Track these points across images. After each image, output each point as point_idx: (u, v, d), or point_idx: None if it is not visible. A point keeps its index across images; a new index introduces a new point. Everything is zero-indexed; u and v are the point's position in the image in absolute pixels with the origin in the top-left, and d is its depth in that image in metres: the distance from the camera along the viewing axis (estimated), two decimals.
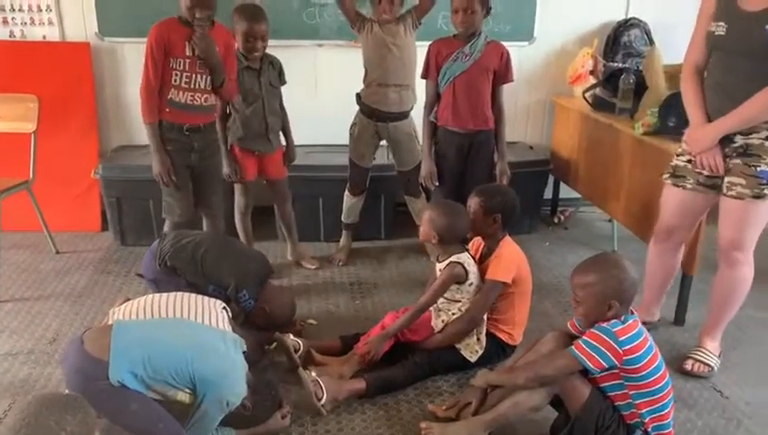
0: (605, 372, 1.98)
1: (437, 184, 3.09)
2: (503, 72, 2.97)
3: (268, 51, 3.15)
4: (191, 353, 2.03)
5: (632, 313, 2.03)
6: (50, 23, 3.72)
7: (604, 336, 1.95)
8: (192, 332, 2.15)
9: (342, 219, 3.63)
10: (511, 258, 2.59)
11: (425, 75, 3.00)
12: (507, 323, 2.63)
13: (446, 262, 2.56)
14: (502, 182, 3.04)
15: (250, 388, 2.14)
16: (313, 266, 3.49)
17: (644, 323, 2.69)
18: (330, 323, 2.96)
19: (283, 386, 2.37)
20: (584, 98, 3.72)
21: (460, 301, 2.58)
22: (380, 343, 2.52)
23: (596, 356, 1.94)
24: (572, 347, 1.99)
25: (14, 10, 3.68)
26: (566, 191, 4.24)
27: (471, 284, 2.56)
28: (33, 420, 1.43)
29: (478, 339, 2.58)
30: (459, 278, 2.54)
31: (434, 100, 3.01)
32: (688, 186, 2.50)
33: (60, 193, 3.77)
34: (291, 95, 3.38)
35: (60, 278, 3.35)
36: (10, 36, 3.72)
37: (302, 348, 2.54)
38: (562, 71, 4.13)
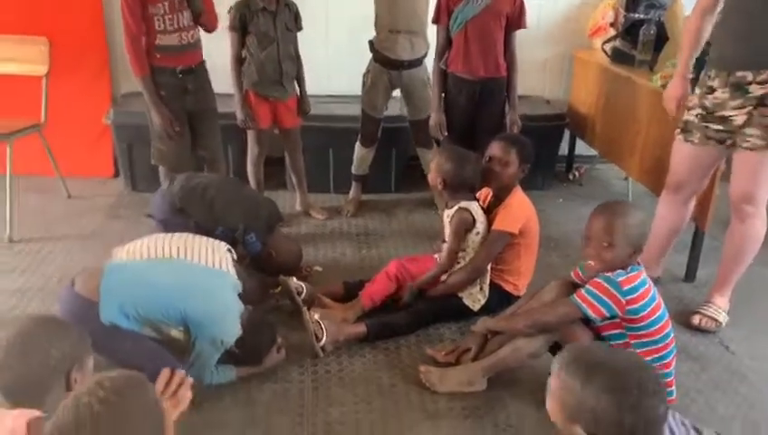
0: (606, 322, 1.96)
1: (446, 134, 3.03)
2: (516, 18, 2.88)
3: None
4: (182, 294, 2.05)
5: (638, 263, 1.99)
6: None
7: (607, 285, 1.91)
8: (186, 272, 2.15)
9: (352, 171, 3.60)
10: (520, 209, 2.56)
11: (436, 20, 2.93)
12: (512, 273, 2.60)
13: (455, 208, 2.53)
14: (512, 132, 2.98)
15: (245, 327, 2.16)
16: (322, 217, 3.48)
17: None
18: (335, 270, 2.97)
19: (286, 327, 2.40)
20: (603, 50, 3.62)
21: (465, 250, 2.56)
22: (412, 296, 2.55)
23: (598, 305, 1.91)
24: (574, 296, 1.96)
25: None
26: (582, 148, 4.15)
27: (478, 233, 2.53)
28: (25, 338, 1.44)
29: (481, 288, 2.57)
30: (467, 224, 2.51)
31: (445, 46, 2.93)
32: (696, 140, 2.43)
33: (73, 138, 3.78)
34: (302, 42, 3.31)
35: (71, 222, 3.38)
36: None
37: (305, 291, 2.54)
38: (583, 24, 4.01)
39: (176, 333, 2.06)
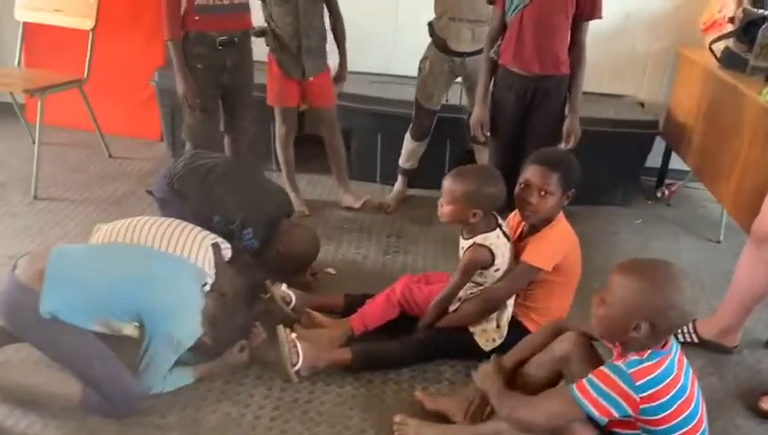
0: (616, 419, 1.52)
1: (488, 134, 2.58)
2: (587, 6, 2.35)
3: None
4: (137, 286, 1.81)
5: (663, 346, 1.52)
6: None
7: (616, 378, 1.47)
8: (147, 262, 1.91)
9: (400, 163, 3.24)
10: (559, 242, 2.10)
11: (491, 1, 2.47)
12: (541, 313, 2.16)
13: (470, 242, 2.12)
14: (568, 143, 2.48)
15: (211, 324, 1.90)
16: (357, 205, 3.15)
17: (718, 348, 2.12)
18: (349, 274, 2.65)
19: (268, 337, 2.11)
20: (710, 50, 3.00)
21: (482, 284, 2.15)
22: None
23: (604, 402, 1.47)
24: (574, 387, 1.52)
25: None
26: (679, 162, 3.54)
27: (497, 269, 2.11)
28: None
29: (498, 326, 2.15)
30: (483, 264, 2.09)
31: (498, 32, 2.46)
32: None
33: (121, 97, 3.68)
34: (362, 16, 2.98)
35: (101, 183, 3.27)
36: None
37: (293, 301, 2.25)
38: (696, 15, 3.37)
39: (129, 329, 1.82)
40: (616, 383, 1.47)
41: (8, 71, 3.25)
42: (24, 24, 3.45)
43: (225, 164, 2.51)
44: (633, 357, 1.50)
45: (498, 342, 2.13)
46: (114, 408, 1.80)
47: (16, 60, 3.40)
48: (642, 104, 3.54)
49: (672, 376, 1.49)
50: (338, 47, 2.94)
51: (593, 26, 3.35)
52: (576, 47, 2.43)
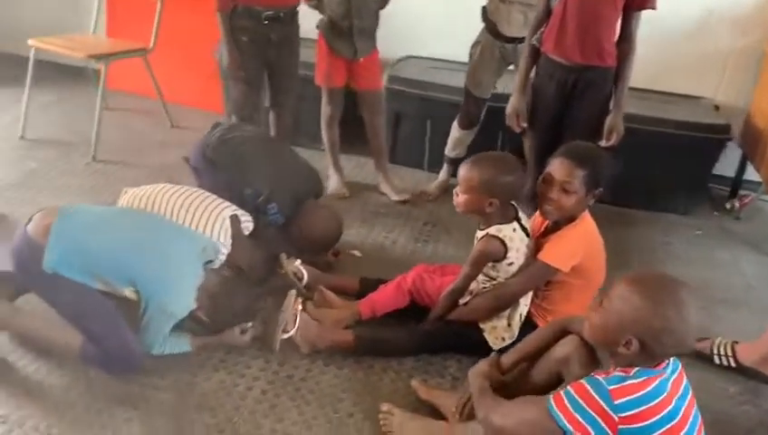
0: None
1: (524, 125, 2.46)
2: None
3: None
4: (134, 251, 1.85)
5: (657, 366, 1.40)
6: None
7: (594, 393, 1.36)
8: (149, 228, 1.96)
9: (446, 152, 3.17)
10: (578, 242, 1.98)
11: None
12: (558, 315, 2.02)
13: (484, 232, 2.03)
14: (609, 140, 2.31)
15: (210, 300, 1.93)
16: (400, 198, 3.09)
17: (756, 376, 2.01)
18: (374, 258, 2.62)
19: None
20: None
21: (495, 278, 2.06)
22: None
23: (580, 419, 1.37)
24: (550, 399, 1.42)
25: None
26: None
27: (511, 263, 2.01)
28: None
29: (509, 325, 2.05)
30: (495, 256, 2.00)
31: (542, 18, 2.32)
32: None
33: (189, 68, 3.78)
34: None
35: (158, 150, 3.39)
36: None
37: (305, 278, 2.24)
38: None
39: (128, 292, 1.88)
40: (593, 399, 1.36)
41: (80, 37, 3.42)
42: None
43: (257, 138, 2.55)
44: (617, 373, 1.39)
45: (508, 341, 2.03)
46: (111, 363, 1.86)
47: (92, 28, 3.56)
48: (717, 107, 3.28)
49: (660, 399, 1.36)
50: None
51: (670, 22, 3.17)
52: (625, 39, 2.27)
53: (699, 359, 2.15)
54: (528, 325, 2.06)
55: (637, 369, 1.37)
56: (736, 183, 3.39)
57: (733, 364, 2.12)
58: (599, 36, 2.22)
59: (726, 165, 3.32)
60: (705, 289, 2.60)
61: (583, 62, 2.26)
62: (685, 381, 1.46)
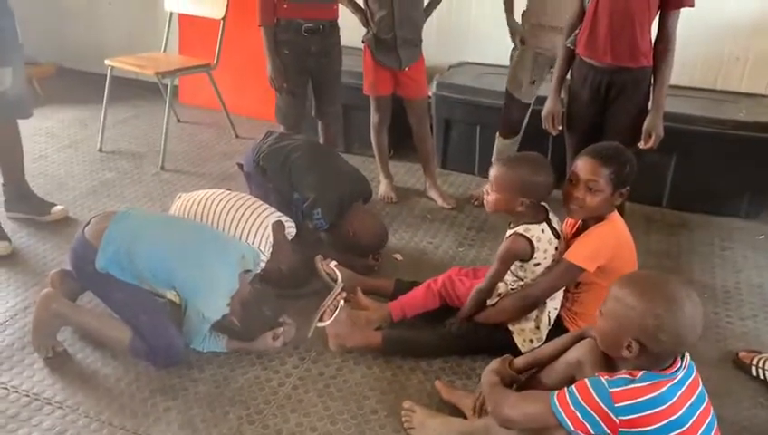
0: None
1: (560, 128, 2.44)
2: None
3: None
4: (174, 257, 2.00)
5: (667, 369, 1.38)
6: None
7: (594, 394, 1.37)
8: (190, 237, 2.10)
9: (492, 160, 3.17)
10: (604, 242, 1.96)
11: None
12: (588, 319, 2.01)
13: (512, 231, 2.05)
14: (647, 143, 2.26)
15: (243, 306, 2.05)
16: (448, 206, 3.13)
17: None
18: (416, 262, 2.68)
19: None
20: None
21: (523, 279, 2.07)
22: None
23: (580, 417, 1.38)
24: (554, 395, 1.43)
25: None
26: None
27: (538, 264, 2.02)
28: None
29: (537, 327, 2.06)
30: (522, 256, 2.02)
31: (576, 20, 2.30)
32: None
33: (253, 82, 3.96)
34: (480, 7, 3.08)
35: (222, 160, 3.59)
36: None
37: (339, 278, 2.33)
38: None
39: (170, 295, 2.04)
40: (594, 400, 1.37)
41: (152, 56, 3.67)
42: (179, 16, 3.91)
43: (305, 146, 2.66)
44: (622, 375, 1.39)
45: (536, 344, 2.04)
46: (156, 357, 2.01)
47: (162, 46, 3.82)
48: None
49: (666, 406, 1.35)
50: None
51: (729, 18, 3.05)
52: (662, 39, 2.22)
53: (738, 368, 2.08)
54: (558, 329, 2.06)
55: (644, 372, 1.37)
56: None
57: None
58: (631, 37, 2.19)
59: None
60: (759, 296, 2.49)
61: (615, 63, 2.23)
62: (700, 387, 1.43)
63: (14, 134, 2.74)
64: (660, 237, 2.90)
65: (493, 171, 2.04)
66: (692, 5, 2.16)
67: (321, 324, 2.09)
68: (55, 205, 2.90)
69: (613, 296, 1.44)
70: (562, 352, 1.72)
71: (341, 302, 2.13)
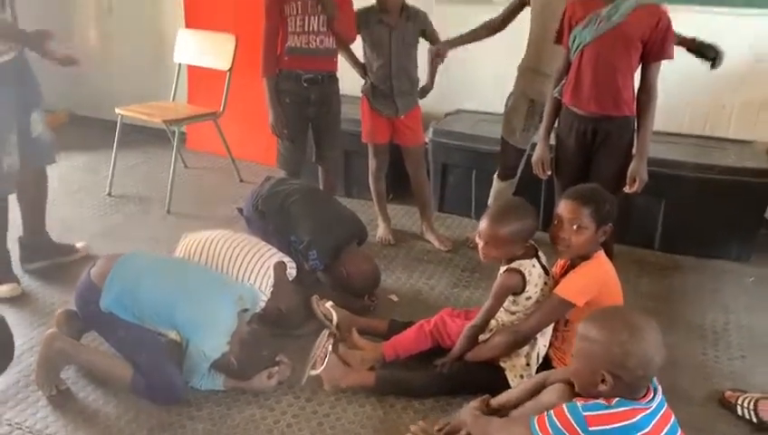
0: None
1: (549, 173, 2.55)
2: (657, 45, 2.24)
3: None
4: (175, 297, 2.08)
5: (642, 398, 1.45)
6: None
7: (570, 418, 1.45)
8: (191, 277, 2.19)
9: (489, 203, 3.27)
10: (591, 278, 2.06)
11: (557, 40, 2.43)
12: None
13: (505, 268, 2.14)
14: (632, 187, 2.36)
15: (240, 343, 2.12)
16: (444, 248, 3.21)
17: None
18: (411, 303, 2.75)
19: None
20: None
21: (515, 313, 2.15)
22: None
23: None
24: (534, 418, 1.51)
25: None
26: None
27: (529, 298, 2.11)
28: None
29: (528, 364, 2.13)
30: (514, 289, 2.11)
31: (563, 71, 2.42)
32: None
33: (258, 128, 4.10)
34: (476, 57, 3.25)
35: (226, 203, 3.68)
36: None
37: (335, 319, 2.40)
38: None
39: (173, 334, 2.12)
40: (570, 423, 1.44)
41: (161, 104, 3.82)
42: (188, 67, 4.09)
43: (302, 190, 2.77)
44: (597, 401, 1.46)
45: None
46: (156, 394, 2.08)
47: (171, 95, 3.98)
48: None
49: (641, 433, 1.41)
50: (430, 71, 3.04)
51: (721, 68, 3.19)
52: (645, 89, 2.33)
53: (724, 407, 2.12)
54: (547, 367, 2.13)
55: (618, 399, 1.43)
56: None
57: (754, 419, 2.05)
58: (614, 87, 2.30)
59: None
60: (748, 337, 2.54)
61: (599, 112, 2.34)
62: (672, 419, 1.50)
63: (43, 181, 2.87)
64: (652, 280, 2.97)
65: (483, 226, 2.14)
66: (671, 57, 2.28)
67: (313, 372, 2.16)
68: (75, 245, 3.01)
69: (579, 336, 1.53)
70: (531, 393, 1.79)
71: (330, 347, 2.20)
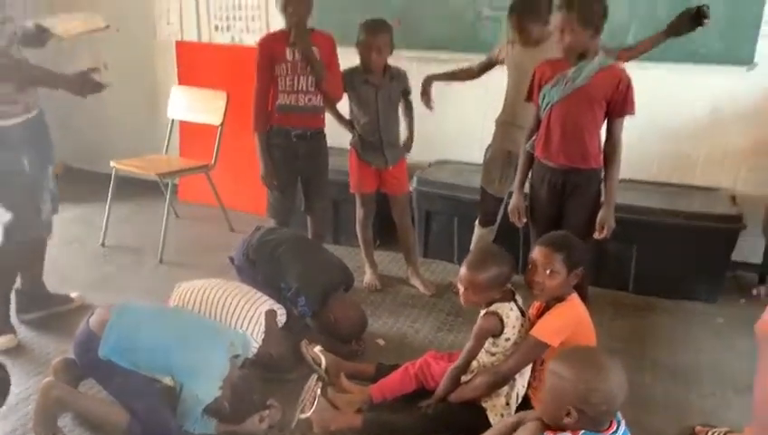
0: None
1: (524, 221, 2.72)
2: (619, 103, 2.43)
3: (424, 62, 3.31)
4: (170, 344, 2.19)
5: (609, 430, 1.57)
6: (260, 30, 4.21)
7: None
8: (185, 325, 2.30)
9: (471, 248, 3.41)
10: (565, 319, 2.20)
11: (528, 98, 2.63)
12: None
13: (484, 311, 2.27)
14: (601, 234, 2.52)
15: (231, 387, 2.21)
16: (428, 293, 3.35)
17: None
18: (397, 346, 2.86)
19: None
20: None
21: (495, 355, 2.27)
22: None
23: None
24: None
25: (234, 19, 4.30)
26: None
27: (507, 339, 2.23)
28: None
29: (507, 403, 2.24)
30: (493, 331, 2.24)
31: (534, 127, 2.61)
32: None
33: (250, 179, 4.25)
34: (457, 111, 3.49)
35: (217, 253, 3.76)
36: (231, 40, 4.34)
37: (323, 363, 2.50)
38: None
39: (167, 380, 2.21)
40: None
41: (154, 158, 3.98)
42: (180, 122, 4.26)
43: (291, 239, 2.90)
44: (565, 433, 1.57)
45: None
46: None
47: (164, 149, 4.14)
48: (734, 198, 3.39)
49: None
50: (407, 126, 3.26)
51: (683, 119, 3.44)
52: (610, 142, 2.52)
53: None
54: (527, 406, 2.24)
55: (583, 431, 1.55)
56: (764, 270, 3.43)
57: None
58: (581, 142, 2.49)
59: (755, 252, 3.41)
60: (717, 375, 2.67)
61: (568, 164, 2.52)
62: None
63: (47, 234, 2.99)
64: (626, 322, 3.10)
65: (462, 273, 2.29)
66: (633, 113, 2.47)
67: (303, 416, 2.25)
68: (70, 295, 3.11)
69: (550, 371, 1.66)
70: (509, 432, 1.91)
71: (319, 391, 2.30)
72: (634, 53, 2.81)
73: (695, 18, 2.69)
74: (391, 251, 3.74)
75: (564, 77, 2.44)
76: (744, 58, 3.27)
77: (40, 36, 2.74)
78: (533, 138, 2.61)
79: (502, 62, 3.02)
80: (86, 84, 2.66)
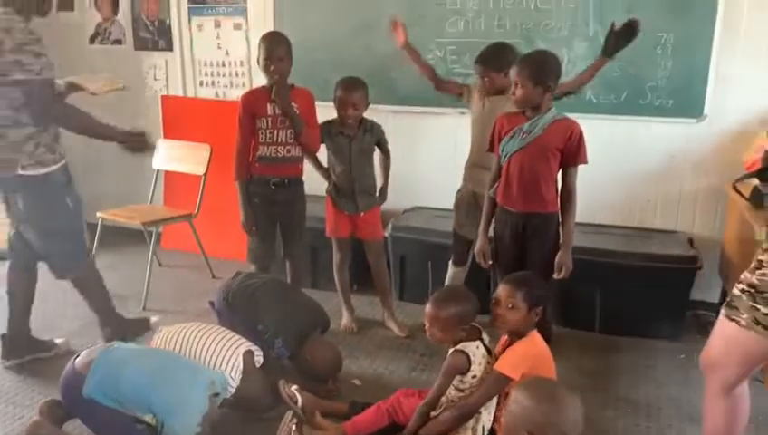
0: None
1: (490, 262, 2.89)
2: (572, 153, 2.65)
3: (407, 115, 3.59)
4: (151, 384, 2.30)
5: None
6: (243, 85, 4.43)
7: None
8: (165, 364, 2.41)
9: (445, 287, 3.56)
10: (525, 354, 2.35)
11: (490, 149, 2.84)
12: None
13: (452, 350, 2.41)
14: (559, 275, 2.69)
15: (211, 426, 2.32)
16: (403, 334, 3.48)
17: None
18: (372, 386, 2.96)
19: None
20: (734, 189, 3.07)
21: (463, 391, 2.40)
22: None
23: None
24: None
25: (219, 75, 4.52)
26: None
27: (474, 376, 2.37)
28: None
29: None
30: (461, 369, 2.38)
31: (496, 174, 2.81)
32: (742, 322, 1.94)
33: (227, 227, 4.39)
34: (429, 160, 3.69)
35: (199, 299, 3.88)
36: (215, 96, 4.55)
37: (299, 402, 2.60)
38: (740, 155, 3.45)
39: (149, 418, 2.31)
40: None
41: (139, 207, 4.13)
42: (165, 172, 4.42)
43: (270, 284, 3.04)
44: None
45: None
46: None
47: (149, 198, 4.29)
48: (691, 240, 3.58)
49: None
50: (383, 175, 3.44)
51: (641, 166, 3.63)
52: (565, 190, 2.72)
53: None
54: None
55: None
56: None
57: None
58: (538, 189, 2.68)
59: (712, 292, 3.59)
60: (675, 407, 2.80)
61: (527, 209, 2.72)
62: None
63: (33, 278, 3.15)
64: (591, 359, 3.24)
65: (428, 311, 2.45)
66: (585, 163, 2.67)
67: None
68: (55, 341, 3.21)
69: (512, 398, 1.80)
70: None
71: (294, 427, 2.40)
72: (576, 83, 3.00)
73: (627, 31, 2.83)
74: (367, 295, 3.86)
75: (521, 129, 2.65)
76: (695, 111, 3.52)
77: (67, 93, 3.02)
78: (495, 185, 2.80)
79: (467, 102, 3.24)
80: (140, 143, 2.96)
